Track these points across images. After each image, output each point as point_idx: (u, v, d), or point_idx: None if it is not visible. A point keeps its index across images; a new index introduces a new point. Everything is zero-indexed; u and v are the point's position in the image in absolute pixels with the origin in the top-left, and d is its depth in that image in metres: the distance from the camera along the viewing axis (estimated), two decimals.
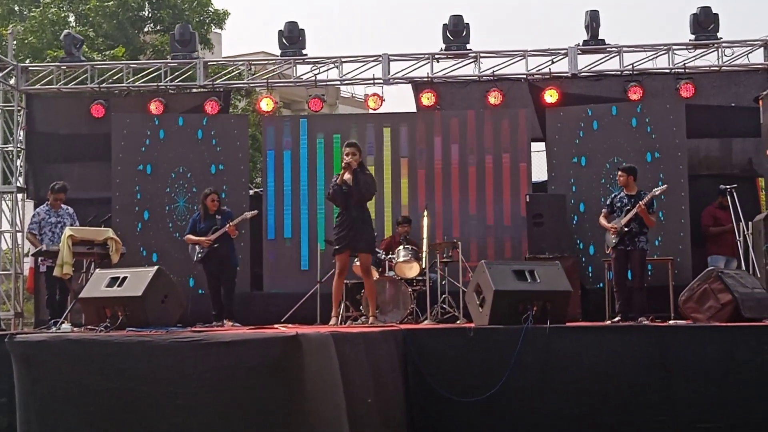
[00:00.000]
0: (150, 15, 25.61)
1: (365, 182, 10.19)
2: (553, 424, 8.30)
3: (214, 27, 26.54)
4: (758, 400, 8.19)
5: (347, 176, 10.11)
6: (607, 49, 14.48)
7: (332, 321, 10.37)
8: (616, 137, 13.87)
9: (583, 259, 13.58)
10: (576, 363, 8.38)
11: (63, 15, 23.72)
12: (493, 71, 14.66)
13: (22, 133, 15.22)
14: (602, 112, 14.05)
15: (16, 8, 25.65)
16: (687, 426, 8.21)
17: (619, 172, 11.54)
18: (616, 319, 11.09)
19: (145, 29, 25.79)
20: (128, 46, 23.73)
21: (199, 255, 12.06)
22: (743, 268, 11.96)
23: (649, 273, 11.84)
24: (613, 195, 11.68)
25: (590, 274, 13.52)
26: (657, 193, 11.19)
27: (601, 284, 12.76)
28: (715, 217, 13.31)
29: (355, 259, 11.59)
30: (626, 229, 11.13)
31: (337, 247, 10.27)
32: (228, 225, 11.93)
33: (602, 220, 11.51)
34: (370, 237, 10.36)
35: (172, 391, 6.34)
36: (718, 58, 14.24)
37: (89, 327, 8.60)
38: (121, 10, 24.11)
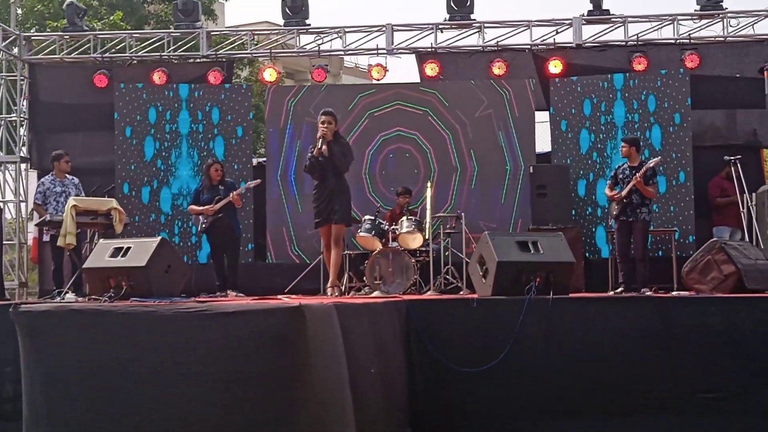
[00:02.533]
0: None
1: (340, 152, 10.10)
2: (555, 394, 8.32)
3: None
4: (760, 371, 8.20)
5: (324, 147, 10.02)
6: (612, 20, 14.43)
7: (329, 291, 10.31)
8: (621, 108, 13.84)
9: (589, 230, 13.58)
10: (579, 334, 8.39)
11: None
12: (497, 41, 14.61)
13: (25, 103, 15.21)
14: (607, 82, 14.01)
15: None
16: (689, 396, 8.23)
17: (622, 143, 11.59)
18: (619, 290, 11.12)
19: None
20: (132, 15, 23.64)
21: (203, 225, 12.08)
22: (747, 239, 11.97)
23: (649, 245, 11.81)
24: (616, 166, 11.71)
25: (593, 245, 13.53)
26: (651, 165, 11.20)
27: (605, 255, 12.77)
28: (721, 188, 13.30)
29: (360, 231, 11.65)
30: (625, 200, 11.16)
31: (316, 220, 10.25)
32: (232, 194, 11.94)
33: (607, 191, 11.57)
34: (346, 208, 10.26)
35: (176, 361, 6.35)
36: (723, 29, 14.19)
37: (93, 297, 8.61)
38: None
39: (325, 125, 10.04)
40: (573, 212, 13.58)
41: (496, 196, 14.13)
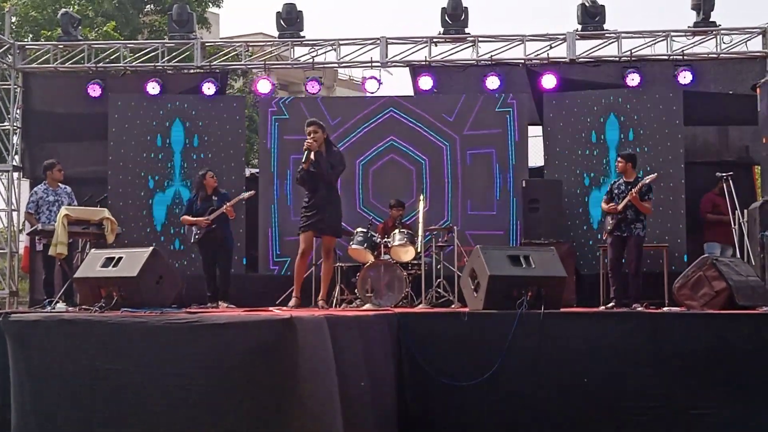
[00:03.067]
0: None
1: (330, 164, 10.00)
2: (546, 409, 8.32)
3: (211, 5, 26.46)
4: (751, 388, 8.21)
5: (311, 159, 9.91)
6: (606, 35, 14.45)
7: (291, 303, 10.10)
8: (614, 123, 13.87)
9: (579, 245, 13.59)
10: (570, 349, 8.39)
11: None
12: (491, 55, 14.63)
13: (18, 112, 15.19)
14: (600, 97, 14.04)
15: None
16: (680, 412, 8.23)
17: (618, 159, 11.64)
18: (611, 305, 11.13)
19: (146, 10, 25.73)
20: (127, 26, 23.65)
21: (197, 236, 12.08)
22: (738, 255, 11.98)
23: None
24: (612, 182, 11.75)
25: (585, 261, 13.53)
26: (647, 181, 11.22)
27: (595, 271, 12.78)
28: (713, 204, 13.31)
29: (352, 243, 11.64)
30: (620, 215, 11.19)
31: (302, 225, 10.11)
32: (225, 206, 11.93)
33: (603, 205, 11.61)
34: (336, 220, 10.18)
35: (166, 371, 6.35)
36: (716, 45, 14.22)
37: (84, 307, 8.59)
38: None
39: (311, 136, 9.96)
40: (574, 227, 13.58)
41: (488, 209, 14.11)
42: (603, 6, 14.23)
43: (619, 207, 11.23)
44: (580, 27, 14.33)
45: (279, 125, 14.42)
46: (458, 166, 14.26)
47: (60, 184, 12.19)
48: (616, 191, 11.47)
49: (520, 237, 13.50)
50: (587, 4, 14.17)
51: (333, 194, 10.17)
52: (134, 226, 14.10)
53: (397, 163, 14.34)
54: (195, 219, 12.05)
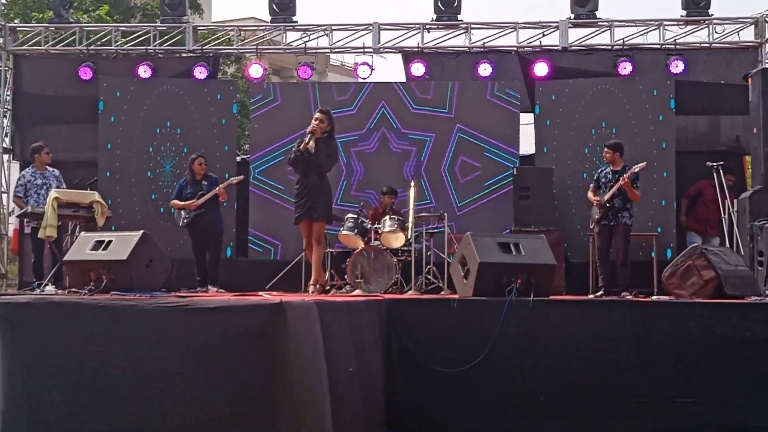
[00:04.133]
0: None
1: (327, 153, 10.13)
2: (535, 396, 8.34)
3: None
4: (739, 377, 8.25)
5: (311, 144, 10.04)
6: (598, 24, 14.46)
7: (310, 288, 10.35)
8: (605, 112, 13.88)
9: (569, 233, 13.60)
10: (559, 336, 8.42)
11: None
12: (484, 43, 14.63)
13: (9, 94, 15.14)
14: (592, 86, 14.04)
15: None
16: (667, 401, 8.27)
17: (606, 149, 11.62)
18: (600, 293, 11.15)
19: None
20: (118, 7, 23.56)
21: (185, 220, 12.05)
22: (727, 245, 12.01)
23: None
24: (599, 170, 11.75)
25: (575, 248, 13.54)
26: (636, 170, 11.21)
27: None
28: (700, 191, 13.29)
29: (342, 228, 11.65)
30: (608, 204, 11.20)
31: (296, 215, 10.25)
32: (218, 188, 11.91)
33: (590, 194, 11.60)
34: (326, 206, 10.28)
35: (155, 355, 6.35)
36: (708, 35, 14.25)
37: (73, 290, 8.59)
38: None
39: (317, 122, 10.08)
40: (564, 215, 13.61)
41: (480, 196, 14.12)
42: None
43: (606, 196, 11.23)
44: (573, 16, 14.32)
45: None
46: (449, 153, 14.23)
47: (48, 167, 12.13)
48: (603, 180, 11.48)
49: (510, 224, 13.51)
50: None
51: (324, 181, 10.27)
52: (124, 210, 14.06)
53: (390, 149, 14.33)
54: (184, 203, 12.04)
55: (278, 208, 13.96)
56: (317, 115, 10.18)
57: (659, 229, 13.17)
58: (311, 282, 10.32)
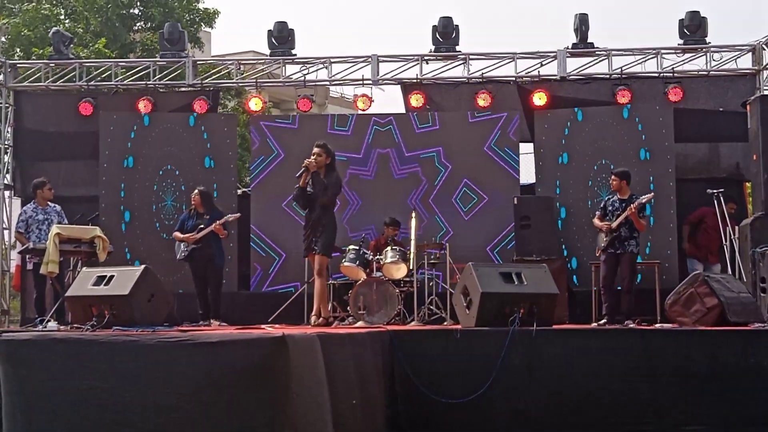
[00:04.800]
0: (140, 13, 25.58)
1: (322, 186, 10.18)
2: (538, 426, 8.32)
3: (204, 26, 26.52)
4: (743, 404, 8.22)
5: (304, 178, 10.15)
6: (596, 53, 14.50)
7: (312, 320, 10.36)
8: (605, 140, 13.90)
9: (570, 262, 13.59)
10: (562, 366, 8.40)
11: (55, 12, 23.65)
12: (482, 73, 14.68)
13: (10, 130, 15.18)
14: (591, 115, 14.07)
15: (7, 3, 25.59)
16: (671, 429, 8.24)
17: (613, 177, 11.59)
18: (603, 322, 11.12)
19: (135, 27, 25.75)
20: (116, 42, 23.66)
21: (183, 254, 12.03)
22: (729, 272, 11.99)
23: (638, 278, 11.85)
24: (605, 198, 11.75)
25: (577, 277, 13.53)
26: (644, 201, 11.21)
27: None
28: (701, 218, 13.28)
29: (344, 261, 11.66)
30: (615, 233, 11.19)
31: (304, 249, 10.36)
32: (215, 224, 11.89)
33: (596, 221, 11.59)
34: (328, 240, 10.29)
35: (158, 390, 6.33)
36: (706, 63, 14.29)
37: (76, 326, 8.59)
38: (110, 6, 24.04)
39: (315, 157, 10.12)
40: (565, 244, 13.59)
41: (481, 225, 14.11)
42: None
43: (614, 224, 11.22)
44: (571, 45, 14.39)
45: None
46: (452, 180, 14.25)
47: (49, 202, 12.14)
48: (610, 208, 11.47)
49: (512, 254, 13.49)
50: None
51: (326, 215, 10.30)
52: (127, 244, 14.06)
53: (392, 179, 14.33)
54: (183, 236, 12.03)
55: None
56: (315, 149, 10.22)
57: (660, 257, 13.14)
58: (313, 313, 10.32)
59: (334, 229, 10.43)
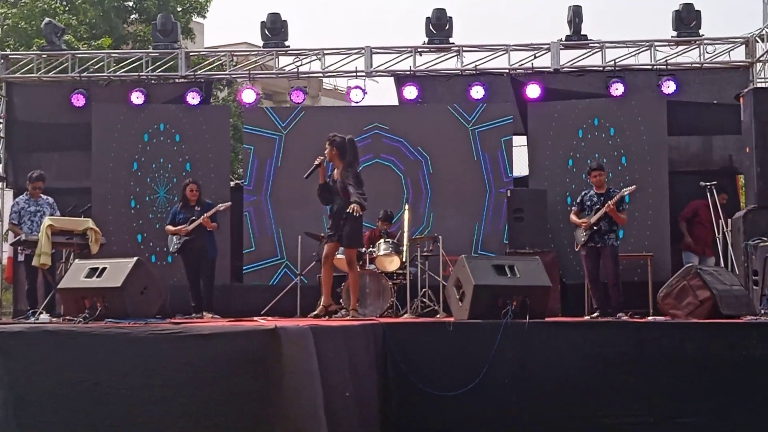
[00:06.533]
0: (135, 5, 25.49)
1: (343, 179, 10.11)
2: (531, 418, 8.32)
3: (196, 16, 26.43)
4: (735, 396, 8.23)
5: (317, 172, 10.14)
6: (590, 45, 14.52)
7: (319, 309, 10.32)
8: (598, 133, 13.90)
9: (563, 254, 13.59)
10: (555, 358, 8.40)
11: (53, 6, 23.54)
12: (476, 65, 14.68)
13: (1, 122, 15.13)
14: (584, 107, 14.07)
15: None
16: (664, 421, 8.24)
17: (598, 171, 11.51)
18: (595, 315, 11.13)
19: (129, 19, 25.66)
20: (112, 35, 23.57)
21: (176, 246, 12.02)
22: (722, 264, 12.01)
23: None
24: (582, 193, 11.71)
25: (570, 270, 13.52)
26: (626, 193, 11.21)
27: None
28: (695, 211, 13.31)
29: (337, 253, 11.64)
30: (595, 228, 11.18)
31: (329, 234, 10.25)
32: (202, 217, 11.87)
33: (573, 217, 11.58)
34: (353, 231, 10.16)
35: (150, 383, 6.31)
36: (699, 55, 14.31)
37: (68, 318, 8.56)
38: None
39: (326, 152, 10.16)
40: (559, 236, 13.59)
41: (473, 218, 14.11)
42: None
43: (592, 219, 11.22)
44: (564, 37, 14.38)
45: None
46: (441, 174, 14.25)
47: (42, 194, 12.11)
48: (588, 203, 11.46)
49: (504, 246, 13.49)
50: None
51: (348, 206, 10.19)
52: (118, 237, 14.03)
53: (385, 171, 14.33)
54: (175, 228, 12.01)
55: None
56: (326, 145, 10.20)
57: (653, 249, 13.15)
58: (351, 307, 10.26)
59: (358, 219, 10.33)
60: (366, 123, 14.41)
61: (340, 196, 10.09)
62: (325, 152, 10.13)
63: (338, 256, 11.83)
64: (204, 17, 26.83)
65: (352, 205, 9.92)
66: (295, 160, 13.57)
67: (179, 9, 24.76)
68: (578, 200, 11.64)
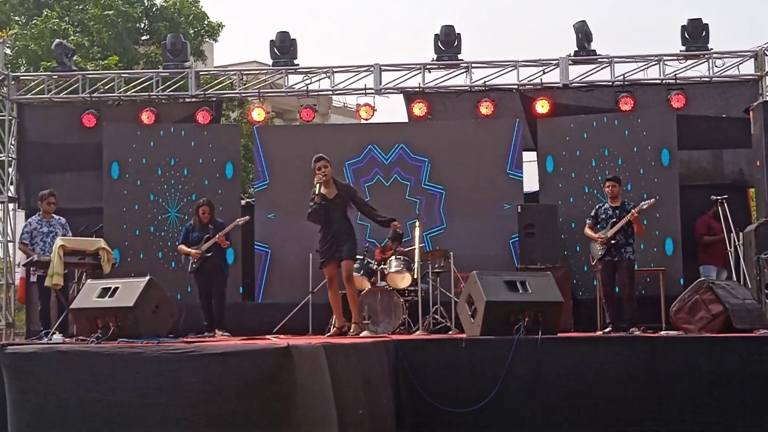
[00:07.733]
0: (146, 27, 25.61)
1: (339, 194, 10.12)
2: None
3: (208, 39, 26.55)
4: (749, 411, 8.20)
5: (324, 190, 10.01)
6: (599, 60, 14.52)
7: (333, 330, 10.35)
8: (608, 148, 13.88)
9: (575, 269, 13.57)
10: (567, 374, 8.38)
11: (64, 27, 23.67)
12: (485, 81, 14.69)
13: (13, 143, 15.19)
14: (593, 122, 14.06)
15: (13, 15, 25.64)
16: None
17: (612, 183, 11.49)
18: (608, 329, 11.09)
19: (141, 41, 25.78)
20: (124, 56, 23.69)
21: (193, 266, 12.03)
22: (734, 278, 11.98)
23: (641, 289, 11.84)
24: (597, 207, 11.68)
25: (582, 285, 13.50)
26: (645, 207, 11.18)
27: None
28: (709, 227, 13.32)
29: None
30: (613, 241, 11.15)
31: (322, 260, 10.20)
32: (218, 235, 11.89)
33: (588, 231, 11.52)
34: (352, 245, 10.17)
35: (163, 402, 6.33)
36: (708, 69, 14.30)
37: (80, 338, 8.58)
38: (120, 20, 24.07)
39: (321, 171, 10.04)
40: (570, 251, 13.58)
41: (485, 234, 14.10)
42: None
43: (610, 233, 11.17)
44: (573, 53, 14.40)
45: None
46: (456, 189, 14.25)
47: (54, 215, 12.13)
48: (602, 216, 11.42)
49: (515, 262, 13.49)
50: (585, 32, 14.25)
51: (347, 222, 10.23)
52: (131, 256, 14.06)
53: (395, 187, 14.35)
54: (189, 250, 12.02)
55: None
56: (318, 164, 10.06)
57: (665, 264, 13.12)
58: (354, 320, 10.18)
59: (355, 232, 10.35)
60: (365, 142, 14.49)
61: (338, 214, 10.07)
62: (322, 171, 10.06)
63: (355, 274, 11.82)
64: (216, 41, 26.94)
65: (394, 223, 10.25)
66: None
67: (191, 31, 24.86)
68: (593, 213, 11.61)
